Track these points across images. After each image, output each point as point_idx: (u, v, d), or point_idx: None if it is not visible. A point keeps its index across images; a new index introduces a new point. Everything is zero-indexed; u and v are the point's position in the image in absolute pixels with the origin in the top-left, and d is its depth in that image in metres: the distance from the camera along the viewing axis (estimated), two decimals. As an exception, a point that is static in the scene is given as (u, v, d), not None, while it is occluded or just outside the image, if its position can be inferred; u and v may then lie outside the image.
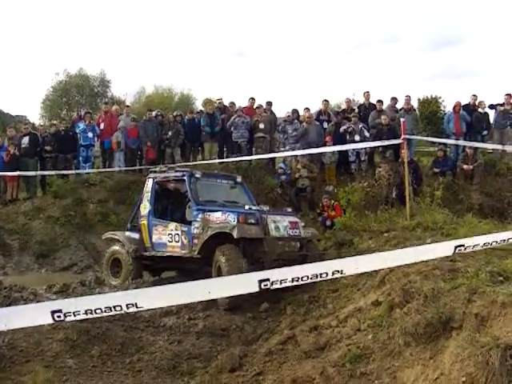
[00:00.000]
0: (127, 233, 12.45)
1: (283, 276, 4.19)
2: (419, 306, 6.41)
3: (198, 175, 11.66)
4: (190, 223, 11.03)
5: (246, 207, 10.96)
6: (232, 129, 17.47)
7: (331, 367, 6.51)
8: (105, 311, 3.84)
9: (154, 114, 18.70)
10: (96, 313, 3.83)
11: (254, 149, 17.42)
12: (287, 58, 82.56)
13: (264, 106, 18.45)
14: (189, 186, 11.40)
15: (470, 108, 17.54)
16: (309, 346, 7.25)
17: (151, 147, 17.94)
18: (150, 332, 9.40)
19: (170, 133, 17.95)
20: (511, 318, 5.46)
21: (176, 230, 11.33)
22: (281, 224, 10.63)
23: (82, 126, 18.06)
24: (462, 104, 17.56)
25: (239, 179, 12.73)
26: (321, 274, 4.30)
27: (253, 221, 10.26)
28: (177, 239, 11.29)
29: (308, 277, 4.27)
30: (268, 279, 4.10)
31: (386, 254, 5.06)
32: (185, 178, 11.55)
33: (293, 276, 4.19)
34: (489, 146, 16.57)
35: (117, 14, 77.05)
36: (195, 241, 10.81)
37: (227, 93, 60.39)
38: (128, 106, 21.58)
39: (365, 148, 16.16)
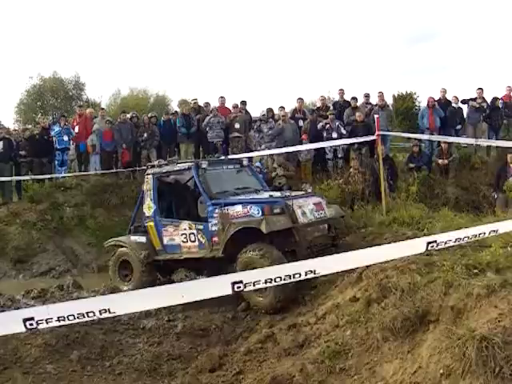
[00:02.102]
0: (132, 237, 11.65)
1: (256, 277, 4.19)
2: (396, 300, 6.46)
3: (204, 165, 10.78)
4: (205, 220, 10.32)
5: (266, 194, 10.47)
6: (207, 129, 17.44)
7: (310, 364, 6.52)
8: (78, 317, 3.81)
9: (128, 116, 18.61)
10: (69, 319, 3.80)
11: (229, 148, 17.37)
12: (261, 57, 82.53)
13: (239, 105, 18.44)
14: (197, 179, 10.59)
15: (444, 103, 17.66)
16: (288, 343, 7.26)
17: (127, 149, 17.86)
18: (130, 334, 9.40)
19: (145, 135, 17.86)
20: (486, 310, 5.53)
21: (190, 228, 10.53)
22: (306, 208, 9.95)
23: (56, 129, 17.92)
24: (436, 99, 17.71)
25: (245, 162, 12.00)
26: (294, 275, 4.30)
27: (278, 210, 9.53)
28: (192, 239, 10.51)
29: (281, 278, 4.27)
30: (241, 281, 4.08)
31: (358, 253, 5.08)
32: (191, 170, 10.74)
33: (266, 277, 4.18)
34: (463, 140, 16.71)
35: (90, 17, 76.55)
36: (215, 239, 10.10)
37: (202, 93, 60.15)
38: (103, 109, 21.45)
39: (341, 145, 16.22)
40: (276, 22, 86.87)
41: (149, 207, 11.23)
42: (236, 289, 4.05)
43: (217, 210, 10.05)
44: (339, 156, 16.57)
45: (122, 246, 11.71)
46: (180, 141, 18.13)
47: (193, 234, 10.47)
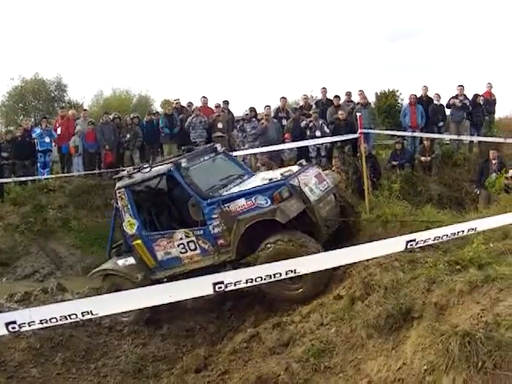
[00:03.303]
0: (119, 261, 10.12)
1: (237, 278, 4.18)
2: (380, 298, 6.48)
3: (184, 163, 9.66)
4: (202, 223, 9.20)
5: (260, 179, 9.62)
6: (190, 129, 17.40)
7: (295, 363, 6.55)
8: (60, 320, 3.80)
9: (111, 117, 18.58)
10: (51, 322, 3.79)
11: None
12: (243, 56, 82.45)
13: (221, 105, 18.43)
14: (183, 181, 9.43)
15: (426, 100, 17.76)
16: (273, 342, 7.28)
17: (109, 150, 17.82)
18: (115, 336, 9.41)
19: (128, 135, 17.86)
20: (469, 306, 5.57)
21: (187, 236, 9.35)
22: (311, 184, 9.22)
23: (38, 131, 17.87)
24: (418, 96, 17.81)
25: (219, 147, 10.91)
26: (274, 275, 4.30)
27: (287, 194, 8.65)
28: (192, 247, 9.36)
29: (262, 278, 4.27)
30: (222, 282, 4.08)
31: (338, 252, 5.10)
32: (172, 172, 9.55)
33: (247, 277, 4.18)
34: (445, 136, 16.85)
35: (70, 17, 76.13)
36: (221, 242, 9.08)
37: (185, 93, 59.96)
38: (85, 110, 21.42)
39: (324, 143, 16.27)
40: (258, 21, 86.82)
41: (130, 224, 9.86)
42: (217, 289, 4.05)
43: (215, 210, 9.06)
44: (322, 154, 16.59)
45: (109, 275, 10.22)
46: (163, 141, 18.12)
47: (192, 241, 9.35)
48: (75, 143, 17.67)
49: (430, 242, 5.30)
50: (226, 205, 9.01)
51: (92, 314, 3.85)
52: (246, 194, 8.98)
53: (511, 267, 5.96)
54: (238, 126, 17.39)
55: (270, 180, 9.24)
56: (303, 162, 10.15)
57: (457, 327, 5.11)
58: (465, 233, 5.53)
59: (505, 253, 6.60)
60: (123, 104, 37.54)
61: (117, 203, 10.04)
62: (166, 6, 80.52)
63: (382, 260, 7.11)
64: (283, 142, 16.32)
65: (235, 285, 4.15)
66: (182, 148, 11.62)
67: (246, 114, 17.32)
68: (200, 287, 4.20)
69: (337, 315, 6.98)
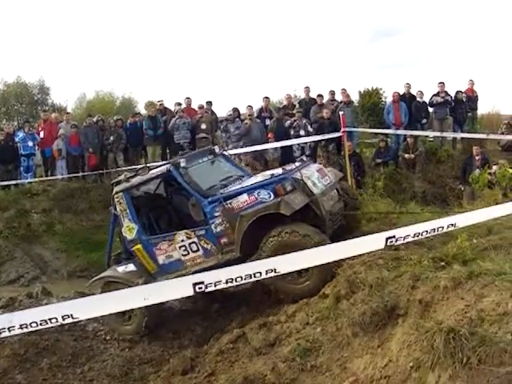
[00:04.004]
0: (118, 268, 9.83)
1: (217, 278, 4.15)
2: (365, 296, 6.48)
3: (183, 163, 9.48)
4: (204, 223, 9.04)
5: (268, 174, 9.41)
6: (174, 130, 17.37)
7: (282, 362, 6.55)
8: (40, 324, 3.77)
9: (94, 119, 18.49)
10: (31, 326, 3.75)
11: (196, 149, 17.29)
12: (226, 56, 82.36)
13: (205, 106, 18.39)
14: (182, 180, 9.28)
15: (409, 98, 17.83)
16: (259, 342, 7.27)
17: (93, 153, 17.72)
18: (101, 340, 9.34)
19: (111, 138, 17.77)
20: (453, 302, 5.59)
21: (189, 237, 9.13)
22: (314, 178, 9.05)
23: (21, 134, 17.71)
24: (401, 94, 17.87)
25: (217, 149, 10.78)
26: (254, 274, 4.28)
27: (290, 187, 8.52)
28: (194, 248, 9.14)
29: (242, 277, 4.24)
30: (202, 282, 4.05)
31: (318, 250, 5.11)
32: (171, 172, 9.40)
33: (226, 277, 4.16)
34: (428, 133, 16.93)
35: (52, 20, 75.75)
36: (224, 240, 8.88)
37: (169, 94, 59.82)
38: (68, 113, 21.29)
39: (308, 142, 16.29)
40: (240, 21, 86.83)
41: (130, 229, 9.62)
42: (197, 289, 4.03)
43: (217, 208, 8.87)
44: (307, 154, 16.56)
45: (109, 283, 9.79)
46: (147, 143, 18.13)
47: (194, 242, 9.13)
48: (58, 146, 17.55)
49: (410, 238, 5.33)
50: (227, 202, 8.83)
51: (72, 318, 3.82)
52: (248, 190, 8.83)
53: (495, 263, 5.98)
54: (222, 127, 17.43)
55: (272, 175, 9.16)
56: (304, 158, 10.05)
57: (441, 324, 5.12)
58: (444, 229, 5.56)
59: (488, 248, 6.63)
60: (107, 106, 37.39)
61: (115, 209, 9.84)
62: (148, 8, 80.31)
63: (367, 258, 7.11)
64: (267, 141, 16.32)
65: (215, 285, 4.12)
66: (180, 152, 11.52)
67: (230, 115, 17.33)
68: (180, 288, 4.18)
69: (322, 314, 6.98)
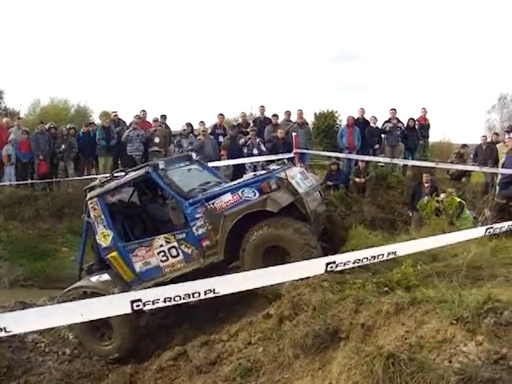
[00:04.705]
0: (92, 278, 9.35)
1: (156, 296, 4.09)
2: (308, 317, 6.46)
3: (162, 165, 9.18)
4: (184, 226, 8.70)
5: (250, 174, 9.40)
6: (127, 142, 17.28)
7: (222, 382, 6.49)
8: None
9: (46, 126, 18.28)
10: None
11: (148, 163, 17.21)
12: (182, 71, 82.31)
13: (159, 120, 18.35)
14: (162, 182, 8.99)
15: (362, 122, 18.05)
16: (200, 361, 7.17)
17: (43, 161, 17.49)
18: (39, 352, 9.14)
19: (63, 146, 17.61)
20: (394, 327, 5.62)
21: (168, 242, 8.77)
22: (297, 178, 8.85)
23: (-31, 139, 17.40)
24: (355, 118, 18.09)
25: (194, 156, 10.55)
26: (193, 294, 4.24)
27: (275, 186, 8.28)
28: (174, 253, 8.77)
29: (180, 297, 4.20)
30: (140, 300, 3.99)
31: (257, 273, 5.10)
32: (150, 174, 9.05)
33: (165, 296, 4.11)
34: (379, 159, 17.12)
35: (7, 22, 74.73)
36: (206, 243, 8.55)
37: (124, 105, 59.30)
38: (19, 118, 20.98)
39: (261, 161, 16.34)
40: (198, 37, 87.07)
41: (104, 236, 9.17)
42: (135, 307, 3.97)
43: (199, 209, 8.56)
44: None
45: (85, 293, 9.09)
46: (99, 153, 17.94)
47: (173, 247, 8.77)
48: (8, 152, 17.30)
49: (350, 264, 5.37)
50: (210, 202, 8.58)
51: (5, 332, 3.71)
52: (232, 189, 8.62)
53: (437, 290, 6.05)
54: (175, 141, 17.39)
55: (255, 175, 9.01)
56: (285, 161, 9.98)
57: (382, 348, 5.15)
58: (384, 256, 5.63)
59: (432, 275, 6.69)
60: (61, 114, 36.89)
61: (88, 216, 9.40)
62: (106, 18, 79.98)
63: (312, 280, 7.11)
64: (220, 158, 16.32)
65: (154, 303, 4.06)
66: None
67: (184, 129, 17.31)
68: (118, 305, 4.11)
69: (265, 334, 6.93)
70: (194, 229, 8.58)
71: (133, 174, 9.48)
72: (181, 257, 8.77)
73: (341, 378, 5.40)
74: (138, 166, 10.46)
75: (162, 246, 8.82)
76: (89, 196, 9.34)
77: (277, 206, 8.02)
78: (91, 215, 9.29)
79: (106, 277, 9.15)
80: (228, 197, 8.47)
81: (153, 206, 10.12)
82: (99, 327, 8.92)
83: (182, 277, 8.47)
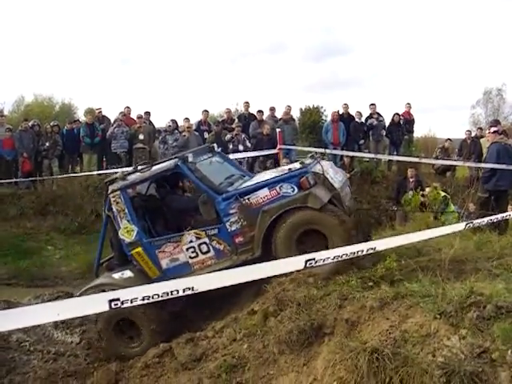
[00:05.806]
0: (113, 275, 8.90)
1: (134, 295, 4.08)
2: (292, 313, 6.47)
3: (190, 158, 8.81)
4: (217, 222, 8.33)
5: (279, 171, 8.98)
6: (111, 139, 17.19)
7: (207, 378, 6.50)
8: None
9: (30, 124, 18.09)
10: None
11: (133, 159, 17.11)
12: (167, 67, 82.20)
13: (143, 116, 18.25)
14: (193, 176, 8.59)
15: (347, 118, 18.09)
16: (185, 357, 7.14)
17: (27, 158, 17.30)
18: (24, 351, 9.06)
19: (47, 143, 17.45)
20: (379, 322, 5.66)
21: (199, 238, 8.39)
22: (330, 172, 8.50)
23: (-49, 137, 17.23)
24: (340, 114, 18.13)
25: (216, 147, 10.37)
26: (171, 292, 4.23)
27: (313, 181, 7.99)
28: (205, 249, 8.40)
29: (159, 295, 4.18)
30: (118, 298, 3.97)
31: (238, 270, 5.11)
32: (180, 167, 8.63)
33: (143, 295, 4.10)
34: (364, 154, 17.13)
35: (-7, 21, 74.26)
36: (239, 239, 8.22)
37: (108, 102, 59.07)
38: (3, 116, 20.74)
39: (246, 158, 16.33)
40: (182, 32, 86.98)
41: (128, 231, 8.72)
42: (113, 306, 3.96)
43: (233, 204, 8.21)
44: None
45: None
46: (83, 151, 17.75)
47: (204, 243, 8.40)
48: (-9, 150, 17.13)
49: (330, 261, 5.37)
50: (244, 198, 8.20)
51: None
52: (269, 184, 8.24)
53: (421, 284, 6.08)
54: (160, 138, 17.33)
55: (290, 169, 8.58)
56: (315, 154, 9.60)
57: (366, 343, 5.19)
58: (364, 252, 5.64)
59: (416, 270, 6.71)
60: (45, 111, 36.88)
61: (109, 210, 8.92)
62: (90, 14, 79.63)
63: (297, 275, 7.12)
64: (205, 155, 16.25)
65: (132, 302, 4.04)
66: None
67: (169, 126, 17.25)
68: (95, 304, 4.08)
69: (250, 331, 6.92)
70: (227, 224, 8.26)
71: (160, 167, 9.06)
72: (212, 253, 8.43)
73: (325, 374, 5.44)
74: (164, 159, 10.00)
75: (191, 241, 8.46)
76: (111, 189, 8.87)
77: (319, 202, 7.75)
78: (113, 209, 8.83)
79: (128, 273, 8.77)
80: (265, 192, 8.14)
81: (169, 198, 9.58)
82: (124, 331, 8.73)
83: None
